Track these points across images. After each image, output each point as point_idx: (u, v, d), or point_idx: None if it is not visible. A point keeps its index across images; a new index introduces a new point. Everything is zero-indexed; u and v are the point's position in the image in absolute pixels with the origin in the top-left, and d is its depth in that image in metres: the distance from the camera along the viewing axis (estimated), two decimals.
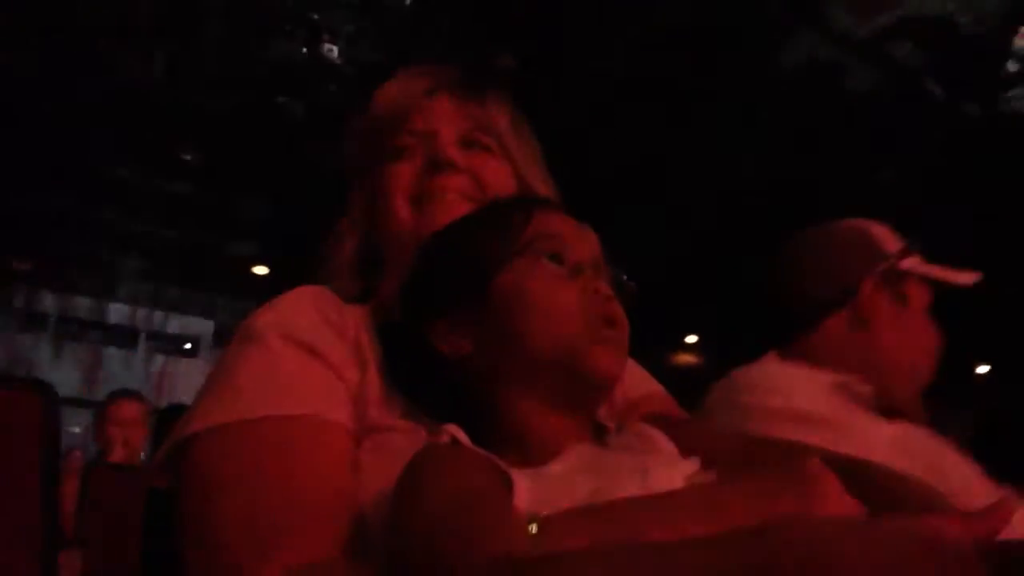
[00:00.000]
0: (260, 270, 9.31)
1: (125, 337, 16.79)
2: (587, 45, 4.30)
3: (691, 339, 10.89)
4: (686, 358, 11.17)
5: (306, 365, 0.88)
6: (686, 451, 0.78)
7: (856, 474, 0.66)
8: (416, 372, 0.88)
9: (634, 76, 4.47)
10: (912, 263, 1.38)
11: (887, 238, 1.40)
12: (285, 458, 0.81)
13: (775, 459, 0.73)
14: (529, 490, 0.68)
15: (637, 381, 1.11)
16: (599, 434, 0.85)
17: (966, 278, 1.41)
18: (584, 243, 0.88)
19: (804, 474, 0.61)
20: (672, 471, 0.71)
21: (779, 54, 4.15)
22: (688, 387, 1.34)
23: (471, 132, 1.06)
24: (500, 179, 1.05)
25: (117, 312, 15.69)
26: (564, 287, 0.82)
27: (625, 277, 0.91)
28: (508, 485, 0.67)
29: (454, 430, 0.77)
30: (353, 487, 0.82)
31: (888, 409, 1.27)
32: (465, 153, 1.04)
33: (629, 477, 0.70)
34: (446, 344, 0.85)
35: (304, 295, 0.97)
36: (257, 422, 0.82)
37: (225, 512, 0.79)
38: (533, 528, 0.57)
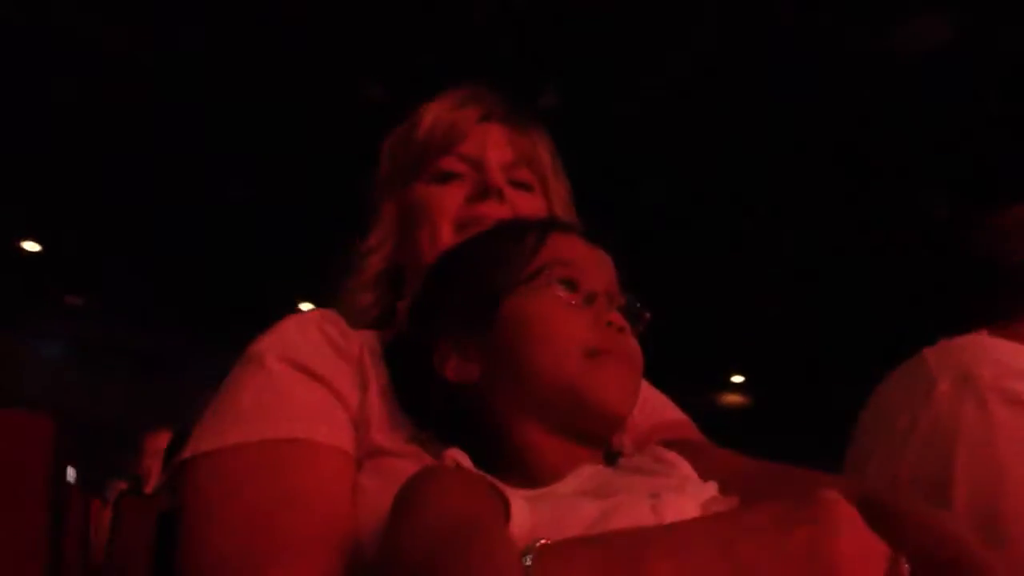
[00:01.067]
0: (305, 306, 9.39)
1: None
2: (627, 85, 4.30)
3: (737, 379, 10.67)
4: (732, 398, 10.95)
5: (304, 388, 0.86)
6: (705, 475, 0.75)
7: (877, 505, 0.62)
8: (422, 395, 0.85)
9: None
10: None
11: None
12: (276, 483, 0.78)
13: (795, 487, 0.68)
14: (531, 514, 0.65)
15: (656, 408, 1.07)
16: (612, 460, 0.81)
17: None
18: (599, 270, 0.85)
19: (822, 505, 0.57)
20: (685, 496, 0.68)
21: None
22: (734, 429, 1.28)
23: (516, 165, 1.05)
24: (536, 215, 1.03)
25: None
26: (574, 317, 0.79)
27: (639, 305, 0.88)
28: (506, 511, 0.64)
29: (457, 455, 0.75)
30: (349, 513, 0.79)
31: None
32: (508, 186, 1.03)
33: (639, 501, 0.66)
34: (452, 368, 0.82)
35: (308, 317, 0.96)
36: (249, 447, 0.80)
37: (211, 539, 0.77)
38: (527, 560, 0.54)
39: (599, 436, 0.80)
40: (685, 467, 0.76)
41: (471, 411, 0.81)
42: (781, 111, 4.31)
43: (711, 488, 0.71)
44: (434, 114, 1.07)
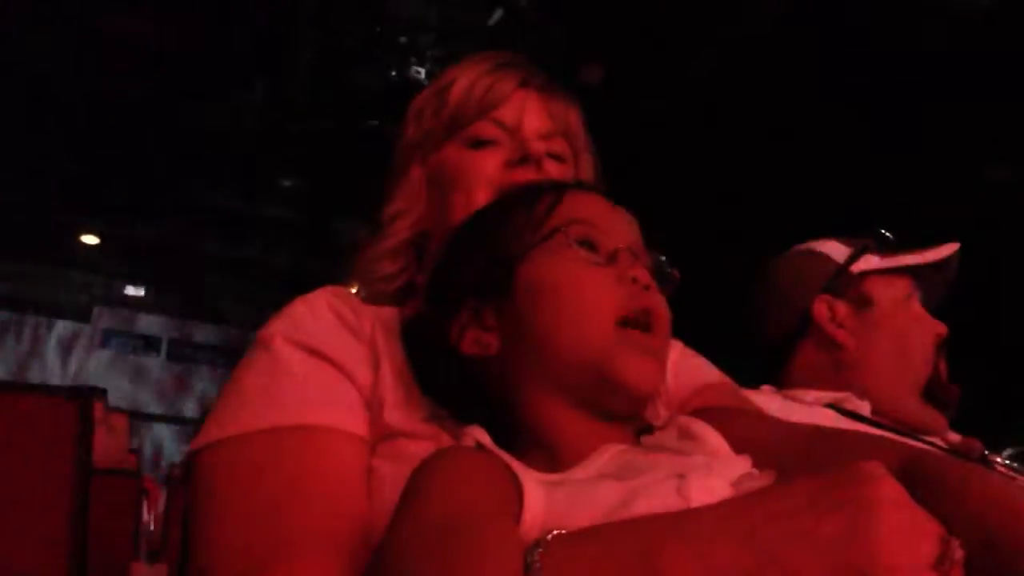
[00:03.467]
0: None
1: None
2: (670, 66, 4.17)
3: None
4: None
5: (313, 370, 0.82)
6: (739, 447, 0.69)
7: (930, 476, 0.56)
8: (439, 371, 0.81)
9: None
10: (866, 262, 1.34)
11: (835, 248, 1.38)
12: (281, 474, 0.75)
13: (839, 457, 0.61)
14: (547, 500, 0.61)
15: (693, 372, 1.01)
16: (641, 433, 0.76)
17: (935, 254, 1.33)
18: (620, 226, 0.80)
19: (862, 481, 0.50)
20: (713, 475, 0.62)
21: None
22: None
23: (553, 136, 1.02)
24: None
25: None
26: (596, 276, 0.74)
27: (667, 261, 0.82)
28: (520, 498, 0.60)
29: (478, 433, 0.71)
30: (360, 502, 0.76)
31: (897, 421, 1.22)
32: (545, 156, 1.00)
33: (663, 483, 0.60)
34: (469, 341, 0.78)
35: (318, 297, 0.92)
36: (254, 435, 0.77)
37: (213, 535, 0.74)
38: (534, 556, 0.50)
39: (625, 413, 0.75)
40: (715, 440, 0.70)
41: (491, 387, 0.77)
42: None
43: (743, 463, 0.65)
44: (469, 78, 1.03)
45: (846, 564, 0.46)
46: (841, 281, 1.34)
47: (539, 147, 0.98)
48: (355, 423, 0.81)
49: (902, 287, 1.34)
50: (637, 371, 0.72)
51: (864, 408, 1.23)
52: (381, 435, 0.81)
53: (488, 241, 0.81)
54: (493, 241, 0.80)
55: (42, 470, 0.96)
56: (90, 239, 8.85)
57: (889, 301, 1.33)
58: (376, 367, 0.84)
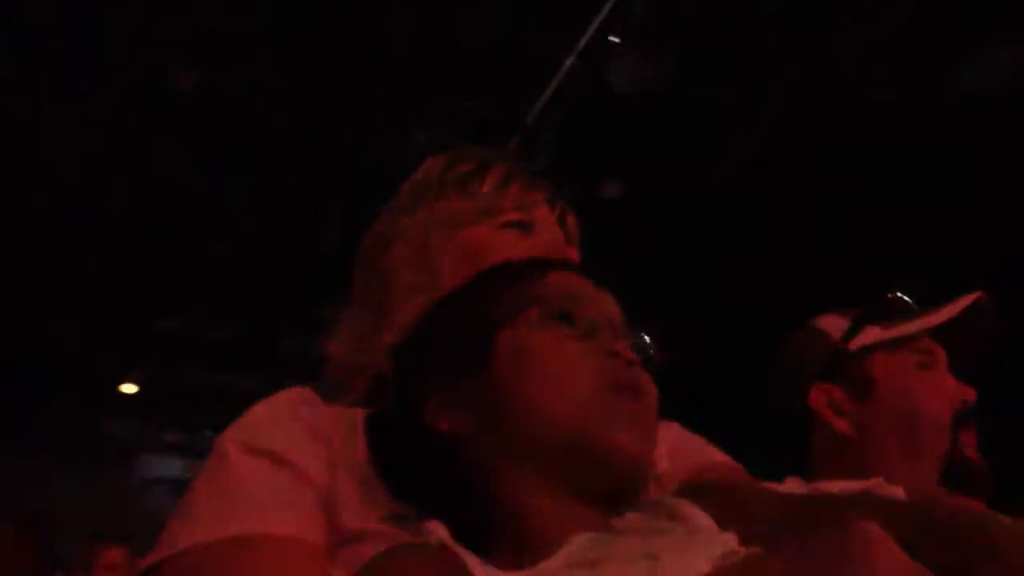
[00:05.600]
0: None
1: None
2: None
3: None
4: None
5: (265, 475, 0.77)
6: (727, 522, 0.61)
7: (933, 527, 0.48)
8: (405, 458, 0.76)
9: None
10: (865, 337, 1.22)
11: (833, 324, 1.26)
12: None
13: (828, 523, 0.53)
14: None
15: (692, 452, 0.94)
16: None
17: (948, 312, 1.20)
18: (602, 304, 0.77)
19: (851, 541, 0.44)
20: (690, 553, 0.54)
21: None
22: None
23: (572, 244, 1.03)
24: None
25: None
26: (575, 349, 0.70)
27: (649, 340, 0.76)
28: None
29: (438, 529, 0.65)
30: None
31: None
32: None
33: (633, 566, 0.55)
34: (442, 419, 0.73)
35: (280, 397, 0.88)
36: (203, 549, 0.71)
37: None
38: None
39: (611, 491, 0.68)
40: (699, 517, 0.62)
41: (463, 470, 0.71)
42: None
43: (727, 540, 0.57)
44: (499, 178, 1.02)
45: None
46: (839, 363, 1.23)
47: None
48: (310, 529, 0.74)
49: (909, 359, 1.21)
50: (625, 438, 0.67)
51: (899, 493, 1.10)
52: (338, 540, 0.74)
53: (464, 313, 0.78)
54: (470, 313, 0.77)
55: None
56: None
57: (893, 377, 1.21)
58: (333, 466, 0.79)
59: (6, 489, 4.48)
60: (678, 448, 0.93)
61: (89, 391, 6.18)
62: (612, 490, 0.68)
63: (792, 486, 1.18)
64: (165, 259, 4.90)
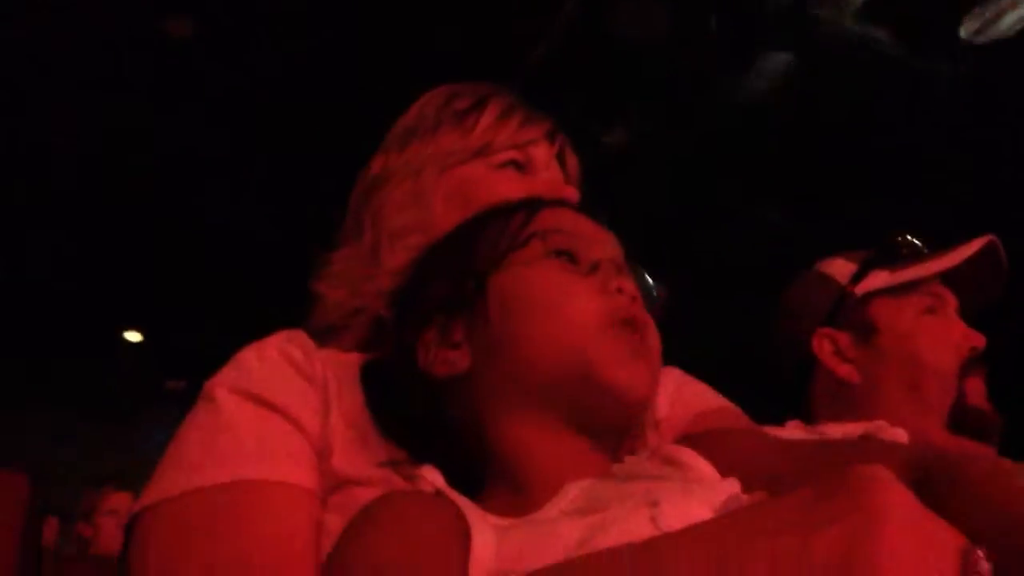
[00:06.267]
0: None
1: None
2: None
3: None
4: None
5: (258, 420, 0.75)
6: (729, 469, 0.60)
7: (946, 479, 0.48)
8: (402, 400, 0.74)
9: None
10: (872, 281, 1.19)
11: (840, 268, 1.23)
12: (222, 539, 0.67)
13: (835, 467, 0.51)
14: (501, 545, 0.55)
15: (693, 397, 0.92)
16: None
17: (958, 256, 1.16)
18: (602, 241, 0.74)
19: (861, 489, 0.40)
20: (692, 500, 0.52)
21: None
22: None
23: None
24: None
25: None
26: (576, 284, 0.68)
27: (652, 281, 0.73)
28: (465, 548, 0.54)
29: (432, 475, 0.65)
30: (308, 561, 0.67)
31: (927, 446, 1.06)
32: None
33: (634, 513, 0.53)
34: (438, 361, 0.71)
35: (269, 343, 0.85)
36: (193, 495, 0.69)
37: None
38: None
39: (612, 426, 0.67)
40: (700, 464, 0.61)
41: (458, 412, 0.70)
42: None
43: (729, 486, 0.55)
44: (500, 108, 0.99)
45: None
46: (844, 307, 1.19)
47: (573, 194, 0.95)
48: (302, 475, 0.72)
49: (917, 303, 1.17)
50: (628, 372, 0.65)
51: (901, 437, 1.07)
52: (331, 484, 0.73)
53: (458, 254, 0.76)
54: (463, 253, 0.74)
55: None
56: None
57: (898, 323, 1.17)
58: (326, 412, 0.77)
59: (8, 439, 4.49)
60: (679, 393, 0.91)
61: (93, 339, 6.19)
62: (613, 426, 0.67)
63: (793, 430, 1.17)
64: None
